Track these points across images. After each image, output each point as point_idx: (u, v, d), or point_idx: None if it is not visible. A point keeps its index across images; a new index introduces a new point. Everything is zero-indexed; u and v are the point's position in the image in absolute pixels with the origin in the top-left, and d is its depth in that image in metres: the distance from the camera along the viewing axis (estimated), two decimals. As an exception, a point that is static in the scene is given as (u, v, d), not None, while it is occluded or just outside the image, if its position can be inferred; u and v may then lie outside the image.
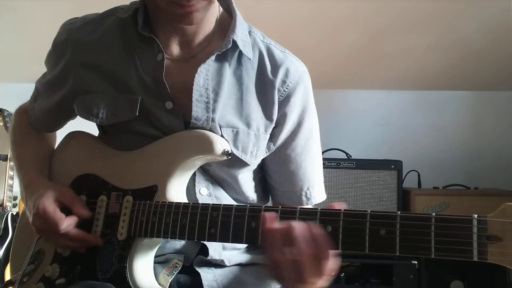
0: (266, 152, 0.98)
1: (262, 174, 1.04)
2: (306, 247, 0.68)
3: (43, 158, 1.08)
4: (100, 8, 1.03)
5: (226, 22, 0.96)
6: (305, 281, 0.69)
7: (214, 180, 0.97)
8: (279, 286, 1.05)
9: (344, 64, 2.78)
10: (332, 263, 0.69)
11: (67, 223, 0.89)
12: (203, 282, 0.92)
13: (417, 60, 2.74)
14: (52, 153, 1.11)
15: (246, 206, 0.76)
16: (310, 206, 1.02)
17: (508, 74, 2.77)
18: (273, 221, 0.72)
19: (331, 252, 0.69)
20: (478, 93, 2.96)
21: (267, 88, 0.95)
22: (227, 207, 0.78)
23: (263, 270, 0.75)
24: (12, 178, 2.58)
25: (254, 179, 1.02)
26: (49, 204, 0.90)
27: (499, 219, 0.57)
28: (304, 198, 1.01)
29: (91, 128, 1.06)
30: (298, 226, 0.69)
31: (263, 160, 1.00)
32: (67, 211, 0.92)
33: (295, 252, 0.68)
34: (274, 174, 1.02)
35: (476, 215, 0.59)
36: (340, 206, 0.71)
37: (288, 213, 0.72)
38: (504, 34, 2.51)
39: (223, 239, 0.78)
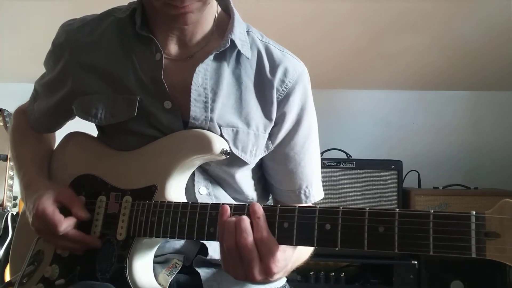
0: (265, 151, 0.98)
1: (261, 173, 1.04)
2: (250, 238, 0.72)
3: (42, 158, 1.08)
4: (100, 9, 1.03)
5: (224, 21, 0.97)
6: (252, 274, 0.72)
7: (213, 179, 0.97)
8: (280, 285, 1.05)
9: (344, 64, 2.78)
10: (277, 262, 0.73)
11: (66, 225, 0.89)
12: (202, 282, 0.92)
13: (417, 60, 2.74)
14: (52, 153, 1.11)
15: (245, 205, 0.76)
16: (309, 204, 1.02)
17: (508, 74, 2.77)
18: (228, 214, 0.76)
19: (274, 248, 0.72)
20: (478, 93, 2.96)
21: (266, 88, 0.95)
22: None
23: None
24: (12, 178, 2.58)
25: (253, 178, 1.02)
26: (49, 205, 0.90)
27: (497, 216, 0.57)
28: (303, 196, 1.01)
29: (91, 128, 1.06)
30: (247, 219, 0.73)
31: (262, 159, 1.00)
32: (67, 212, 0.92)
33: (242, 242, 0.72)
34: (274, 172, 1.02)
35: (474, 212, 0.59)
36: None
37: (287, 212, 0.72)
38: (503, 33, 2.51)
39: None
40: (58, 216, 0.90)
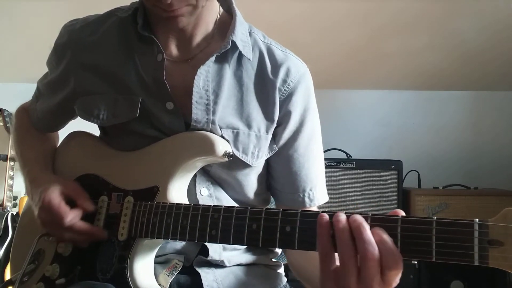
0: (269, 153, 0.98)
1: (263, 177, 1.04)
2: (375, 250, 0.61)
3: (46, 155, 1.08)
4: (101, 9, 1.03)
5: (226, 23, 0.96)
6: None
7: (215, 181, 0.97)
8: (280, 285, 1.05)
9: (344, 64, 2.78)
10: (398, 275, 0.63)
11: (72, 216, 0.89)
12: (203, 282, 0.92)
13: (417, 59, 2.74)
14: (55, 151, 1.11)
15: (247, 208, 0.76)
16: (314, 208, 1.02)
17: (507, 74, 2.78)
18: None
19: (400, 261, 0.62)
20: (477, 93, 2.96)
21: (268, 89, 0.95)
22: (228, 209, 0.78)
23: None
24: (12, 178, 2.58)
25: (256, 180, 1.01)
26: (55, 197, 0.90)
27: (501, 224, 0.56)
28: (307, 199, 1.00)
29: (93, 128, 1.06)
30: (368, 228, 0.63)
31: (267, 162, 1.00)
32: (73, 204, 0.92)
33: (365, 255, 0.61)
34: (277, 175, 1.02)
35: (477, 220, 0.59)
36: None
37: (289, 215, 0.72)
38: (503, 32, 2.51)
39: (224, 241, 0.77)
40: (64, 207, 0.90)
